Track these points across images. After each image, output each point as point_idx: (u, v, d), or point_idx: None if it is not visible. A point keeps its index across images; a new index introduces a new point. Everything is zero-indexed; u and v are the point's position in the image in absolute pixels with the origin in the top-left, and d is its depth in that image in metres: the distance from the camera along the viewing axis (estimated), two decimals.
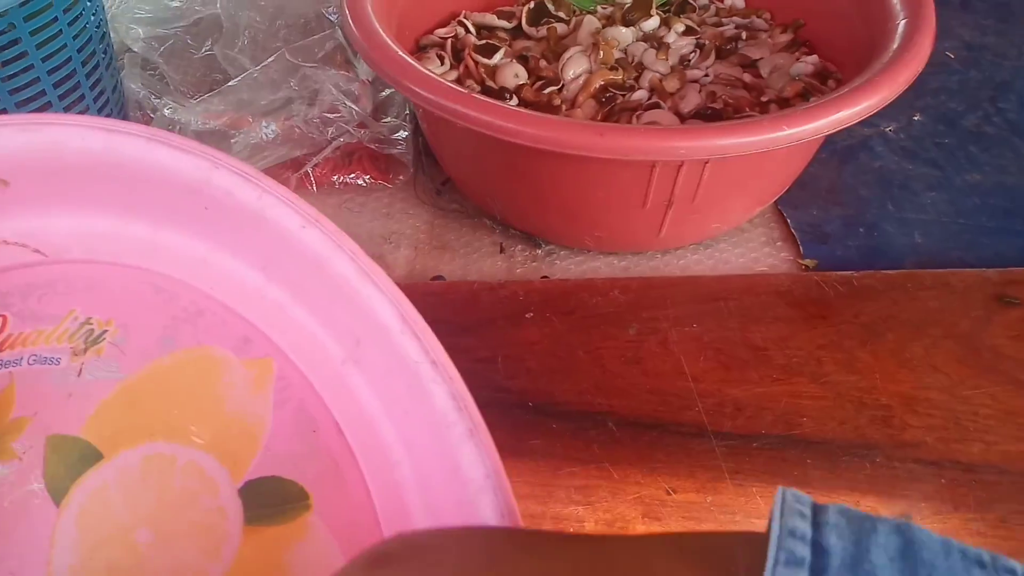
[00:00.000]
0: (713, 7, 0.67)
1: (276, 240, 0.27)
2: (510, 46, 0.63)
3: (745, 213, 0.55)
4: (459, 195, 0.60)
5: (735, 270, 0.55)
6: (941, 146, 0.65)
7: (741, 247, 0.57)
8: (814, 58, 0.59)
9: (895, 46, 0.47)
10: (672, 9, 0.67)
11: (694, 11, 0.67)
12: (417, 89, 0.44)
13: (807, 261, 0.55)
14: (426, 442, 0.27)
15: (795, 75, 0.58)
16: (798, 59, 0.60)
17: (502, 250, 0.56)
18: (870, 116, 0.45)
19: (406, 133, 0.61)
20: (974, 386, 0.46)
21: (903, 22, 0.50)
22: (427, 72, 0.45)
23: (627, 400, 0.45)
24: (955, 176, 0.63)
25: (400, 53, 0.47)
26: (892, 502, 0.40)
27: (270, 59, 0.61)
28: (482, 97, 0.44)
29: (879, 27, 0.52)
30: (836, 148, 0.65)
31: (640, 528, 0.39)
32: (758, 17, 0.67)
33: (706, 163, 0.45)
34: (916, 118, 0.68)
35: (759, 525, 0.40)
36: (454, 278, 0.54)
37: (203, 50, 0.65)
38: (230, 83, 0.59)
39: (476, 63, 0.59)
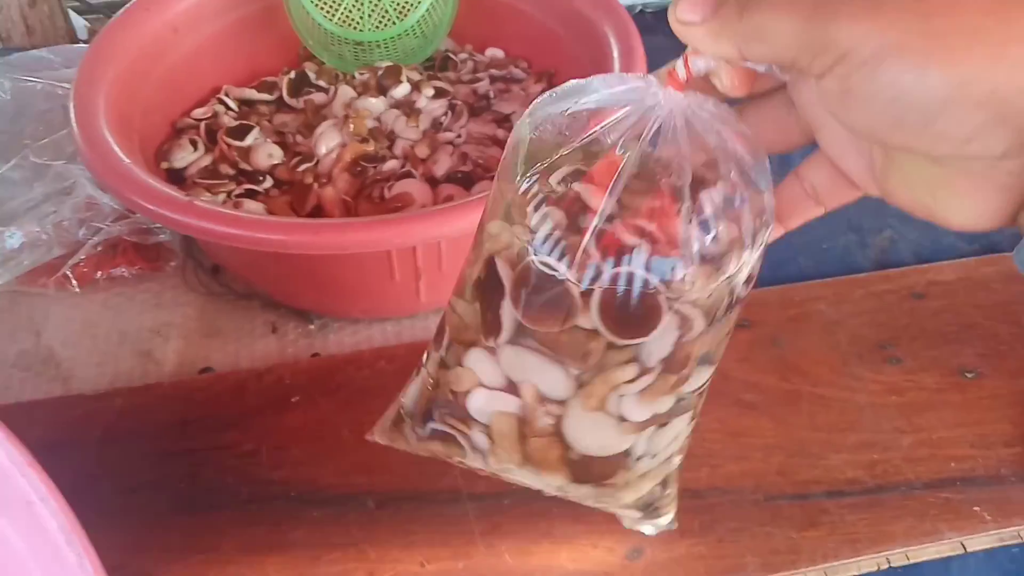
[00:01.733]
0: (471, 62, 0.70)
1: None
2: (270, 121, 0.64)
3: None
4: (230, 277, 0.60)
5: None
6: None
7: None
8: None
9: None
10: (436, 66, 0.70)
11: (455, 67, 0.70)
12: (135, 199, 0.44)
13: None
14: None
15: None
16: None
17: (274, 330, 0.57)
18: None
19: None
20: (704, 412, 0.50)
21: None
22: (144, 179, 0.45)
23: (388, 475, 0.47)
24: None
25: (122, 161, 0.47)
26: (627, 538, 0.44)
27: (13, 160, 0.59)
28: (203, 203, 0.44)
29: None
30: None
31: None
32: (516, 67, 0.70)
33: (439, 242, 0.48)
34: None
35: None
36: (224, 366, 0.54)
37: None
38: None
39: (229, 145, 0.59)
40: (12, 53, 0.74)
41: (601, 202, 0.24)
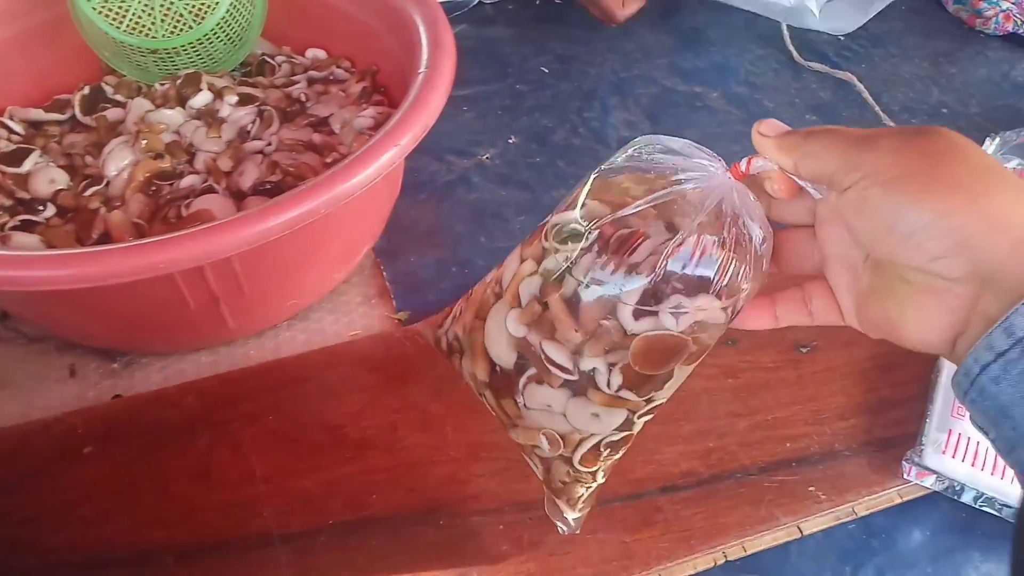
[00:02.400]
0: (288, 65, 0.65)
1: None
2: (59, 142, 0.58)
3: (322, 284, 0.54)
4: (19, 320, 0.54)
5: (329, 339, 0.54)
6: (533, 166, 0.68)
7: (337, 312, 0.56)
8: (372, 111, 0.59)
9: (405, 104, 0.48)
10: (253, 71, 0.65)
11: (272, 71, 0.65)
12: None
13: (400, 315, 0.55)
14: None
15: (359, 129, 0.58)
16: (364, 110, 0.60)
17: (73, 373, 0.51)
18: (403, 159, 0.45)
19: None
20: None
21: (422, 75, 0.50)
22: None
23: (190, 525, 0.42)
24: (544, 195, 0.65)
25: None
26: (452, 565, 0.41)
27: None
28: None
29: (414, 76, 0.52)
30: (436, 186, 0.66)
31: None
32: (339, 67, 0.66)
33: (229, 259, 0.43)
34: (512, 141, 0.71)
35: None
36: (12, 420, 0.48)
37: None
38: None
39: (3, 173, 0.53)
40: None
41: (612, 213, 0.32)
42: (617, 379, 0.32)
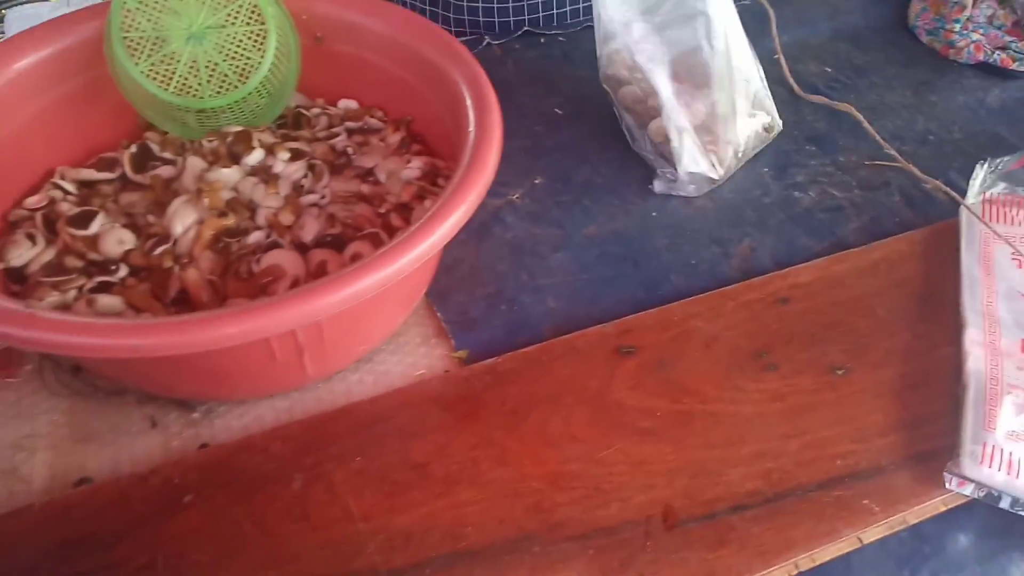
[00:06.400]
0: (325, 117, 0.68)
1: None
2: (115, 202, 0.60)
3: (387, 328, 0.57)
4: (95, 374, 0.56)
5: (396, 381, 0.56)
6: (561, 204, 0.72)
7: (399, 353, 0.59)
8: (418, 162, 0.62)
9: (464, 163, 0.51)
10: (288, 123, 0.68)
11: (309, 123, 0.68)
12: None
13: (459, 353, 0.58)
14: None
15: (406, 180, 0.61)
16: (408, 161, 0.63)
17: (154, 424, 0.53)
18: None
19: None
20: (607, 446, 0.51)
21: (471, 134, 0.54)
22: None
23: (299, 564, 0.45)
24: (575, 232, 0.69)
25: None
26: None
27: None
28: (46, 314, 0.40)
29: (463, 133, 0.56)
30: (473, 226, 0.70)
31: None
32: (372, 117, 0.69)
33: None
34: (537, 181, 0.75)
35: None
36: (103, 474, 0.50)
37: None
38: None
39: (73, 236, 0.55)
40: None
41: None
42: None
